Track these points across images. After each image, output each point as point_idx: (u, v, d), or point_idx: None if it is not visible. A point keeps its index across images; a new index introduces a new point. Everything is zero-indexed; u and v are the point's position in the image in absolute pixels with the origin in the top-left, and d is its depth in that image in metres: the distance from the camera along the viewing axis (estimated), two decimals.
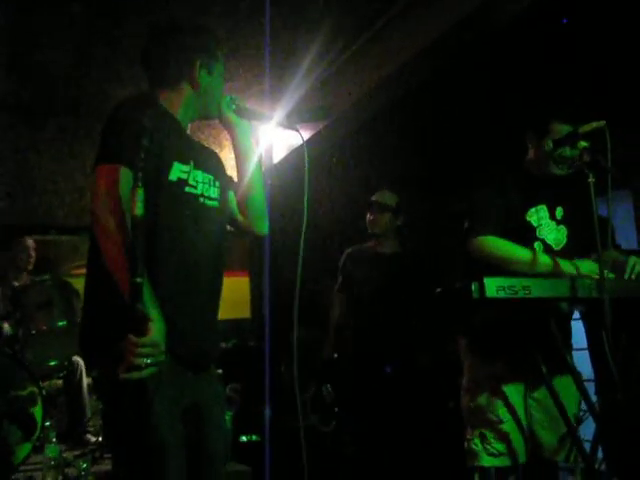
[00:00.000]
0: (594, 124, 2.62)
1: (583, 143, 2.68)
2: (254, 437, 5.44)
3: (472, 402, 3.02)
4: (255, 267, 7.18)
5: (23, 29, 4.84)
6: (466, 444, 3.01)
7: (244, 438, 5.40)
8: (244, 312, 7.10)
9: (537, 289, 2.46)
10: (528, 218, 2.99)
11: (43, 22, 4.75)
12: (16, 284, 5.07)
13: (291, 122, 2.37)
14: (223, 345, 6.18)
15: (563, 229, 3.06)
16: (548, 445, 2.95)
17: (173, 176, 2.12)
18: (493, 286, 2.37)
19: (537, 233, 3.00)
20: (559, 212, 3.05)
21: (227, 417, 4.55)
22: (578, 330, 4.32)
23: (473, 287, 2.38)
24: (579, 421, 2.96)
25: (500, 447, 2.90)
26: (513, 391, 2.94)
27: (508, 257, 2.83)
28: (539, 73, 4.09)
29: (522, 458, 2.91)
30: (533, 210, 3.00)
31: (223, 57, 2.35)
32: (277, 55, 5.34)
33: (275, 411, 5.44)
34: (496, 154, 3.48)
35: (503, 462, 2.90)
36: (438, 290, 2.65)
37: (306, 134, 6.20)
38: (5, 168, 6.26)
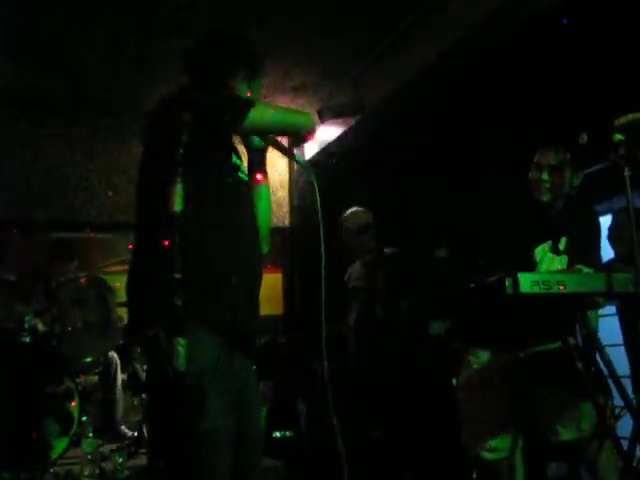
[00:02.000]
0: (630, 116, 2.57)
1: (619, 136, 2.63)
2: (287, 433, 5.45)
3: (467, 401, 3.14)
4: (288, 263, 7.20)
5: (55, 28, 4.89)
6: (463, 441, 3.15)
7: (277, 434, 5.42)
8: (277, 308, 7.11)
9: (572, 284, 2.42)
10: (534, 256, 3.04)
11: (76, 21, 4.80)
12: (53, 283, 5.13)
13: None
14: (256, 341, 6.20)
15: (564, 259, 3.06)
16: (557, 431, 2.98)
17: (241, 175, 2.26)
18: (527, 281, 2.34)
19: (538, 269, 3.03)
20: (562, 243, 3.07)
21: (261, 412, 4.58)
22: (615, 326, 4.27)
23: (507, 282, 2.35)
24: (616, 418, 2.95)
25: (494, 444, 3.03)
26: (507, 389, 3.04)
27: None
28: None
29: (514, 450, 3.07)
30: (540, 248, 3.04)
31: (263, 77, 2.38)
32: (309, 50, 5.34)
33: (308, 407, 5.45)
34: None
35: (497, 456, 3.05)
36: (471, 285, 2.63)
37: (338, 129, 6.19)
38: (40, 166, 6.34)
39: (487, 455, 3.05)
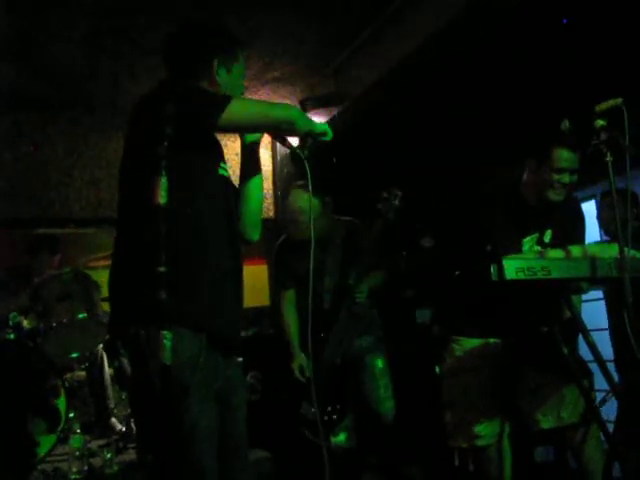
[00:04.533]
0: (611, 101, 2.58)
1: (600, 121, 2.64)
2: (275, 423, 5.44)
3: (452, 388, 3.17)
4: (273, 255, 7.16)
5: (36, 23, 4.84)
6: (446, 427, 3.19)
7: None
8: (263, 300, 7.10)
9: (556, 270, 2.44)
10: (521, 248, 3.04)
11: (56, 15, 4.75)
12: (37, 279, 5.09)
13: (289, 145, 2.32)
14: (243, 334, 6.18)
15: None
16: (543, 418, 3.03)
17: (222, 171, 2.22)
18: (512, 268, 2.36)
19: None
20: (547, 235, 3.08)
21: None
22: (598, 310, 4.31)
23: (492, 269, 2.37)
24: (602, 402, 2.98)
25: (476, 430, 3.07)
26: (492, 375, 3.08)
27: None
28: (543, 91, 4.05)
29: (502, 436, 3.12)
30: (527, 240, 3.05)
31: (244, 58, 2.34)
32: (290, 42, 5.32)
33: (294, 399, 5.45)
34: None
35: (485, 442, 3.10)
36: (457, 273, 2.64)
37: (321, 119, 6.18)
38: (22, 163, 6.29)
39: (475, 442, 3.07)
